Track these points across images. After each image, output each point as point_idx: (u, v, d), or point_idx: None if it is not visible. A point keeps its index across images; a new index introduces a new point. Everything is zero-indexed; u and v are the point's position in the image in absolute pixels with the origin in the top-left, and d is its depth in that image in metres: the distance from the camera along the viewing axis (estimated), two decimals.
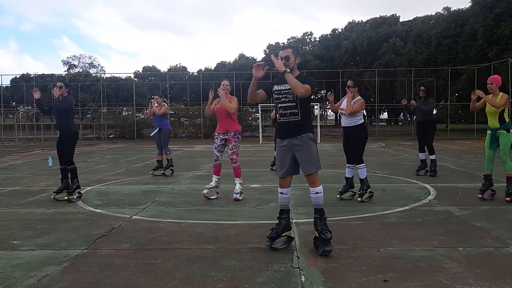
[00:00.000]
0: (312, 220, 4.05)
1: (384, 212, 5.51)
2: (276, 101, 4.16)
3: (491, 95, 6.28)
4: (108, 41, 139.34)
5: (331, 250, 3.83)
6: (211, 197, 6.64)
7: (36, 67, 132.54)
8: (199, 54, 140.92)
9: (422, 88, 9.06)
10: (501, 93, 6.21)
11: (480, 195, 6.38)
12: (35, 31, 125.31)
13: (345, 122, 6.43)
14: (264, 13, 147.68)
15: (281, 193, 4.15)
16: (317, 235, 3.95)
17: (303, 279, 3.28)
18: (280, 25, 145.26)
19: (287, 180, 4.14)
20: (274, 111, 9.96)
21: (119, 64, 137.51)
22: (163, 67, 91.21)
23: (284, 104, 4.07)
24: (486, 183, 6.43)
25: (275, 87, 4.16)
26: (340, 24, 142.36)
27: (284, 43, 65.39)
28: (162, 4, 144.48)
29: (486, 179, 6.43)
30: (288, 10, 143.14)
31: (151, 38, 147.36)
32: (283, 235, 4.14)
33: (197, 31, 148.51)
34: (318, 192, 4.01)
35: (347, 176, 6.57)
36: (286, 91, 4.06)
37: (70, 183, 6.66)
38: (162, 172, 9.53)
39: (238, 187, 6.62)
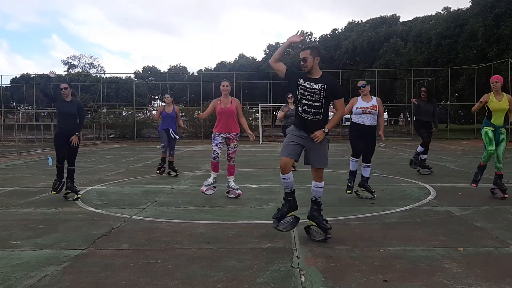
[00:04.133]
0: None
1: (384, 212, 5.51)
2: (300, 96, 4.20)
3: (491, 93, 6.33)
4: (99, 41, 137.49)
5: (331, 237, 4.20)
6: (207, 193, 6.66)
7: (29, 66, 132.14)
8: (192, 54, 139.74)
9: (423, 89, 9.08)
10: (503, 93, 6.27)
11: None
12: (22, 31, 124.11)
13: None
14: (253, 13, 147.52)
15: (284, 178, 4.24)
16: (315, 225, 4.28)
17: (303, 279, 3.28)
18: (272, 25, 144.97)
19: (289, 164, 4.22)
20: (282, 112, 9.78)
21: (113, 63, 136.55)
22: (159, 67, 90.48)
23: (310, 103, 4.16)
24: (479, 175, 6.47)
25: (301, 81, 4.20)
26: (337, 24, 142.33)
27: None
28: (148, 3, 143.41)
29: (481, 169, 6.45)
30: (278, 10, 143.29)
31: (140, 38, 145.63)
32: (289, 215, 4.28)
33: (186, 31, 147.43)
34: (321, 187, 4.34)
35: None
36: (314, 91, 4.14)
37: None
38: (170, 171, 9.53)
39: (234, 184, 6.77)
